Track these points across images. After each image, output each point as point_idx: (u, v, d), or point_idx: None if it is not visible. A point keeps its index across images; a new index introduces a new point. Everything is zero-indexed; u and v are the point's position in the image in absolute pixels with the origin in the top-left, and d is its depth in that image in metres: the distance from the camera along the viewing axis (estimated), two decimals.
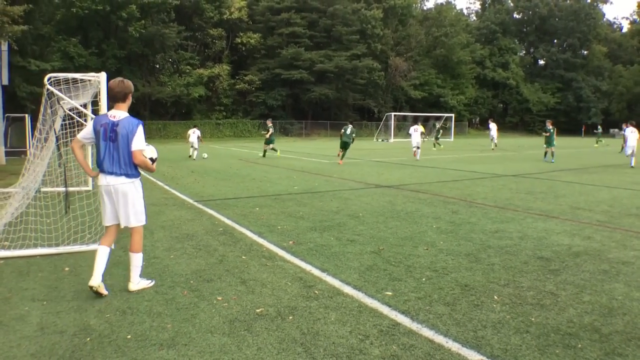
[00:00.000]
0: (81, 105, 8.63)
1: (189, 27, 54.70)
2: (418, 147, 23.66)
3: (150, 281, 5.17)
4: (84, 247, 6.52)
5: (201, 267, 5.78)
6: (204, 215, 9.11)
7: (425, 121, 56.81)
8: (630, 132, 21.41)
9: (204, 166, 19.25)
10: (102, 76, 6.76)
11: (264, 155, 24.67)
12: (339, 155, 21.33)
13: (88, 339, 3.89)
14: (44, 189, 9.69)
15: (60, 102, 7.47)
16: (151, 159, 5.02)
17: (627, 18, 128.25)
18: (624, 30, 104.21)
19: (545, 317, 4.34)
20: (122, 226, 4.97)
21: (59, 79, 7.77)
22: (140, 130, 4.83)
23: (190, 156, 23.84)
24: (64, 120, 8.63)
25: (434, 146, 34.94)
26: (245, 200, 10.74)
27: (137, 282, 5.03)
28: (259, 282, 5.26)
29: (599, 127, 47.10)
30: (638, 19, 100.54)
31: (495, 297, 4.83)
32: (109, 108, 5.00)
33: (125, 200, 4.85)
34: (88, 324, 4.16)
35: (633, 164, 20.41)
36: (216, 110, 56.84)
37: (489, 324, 4.17)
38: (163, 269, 5.73)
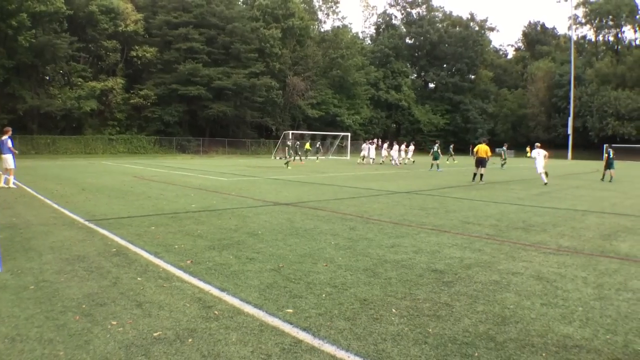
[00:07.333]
0: None
1: (81, 38, 52.36)
2: (372, 158, 31.55)
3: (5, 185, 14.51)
4: None
5: (94, 291, 5.46)
6: (96, 235, 8.66)
7: (322, 139, 57.89)
8: (537, 153, 23.14)
9: (96, 184, 18.32)
10: None
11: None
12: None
13: None
14: None
15: None
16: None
17: (512, 45, 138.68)
18: (509, 56, 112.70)
19: (442, 327, 4.50)
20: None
21: None
22: (9, 140, 15.31)
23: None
24: None
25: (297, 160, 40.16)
26: (140, 219, 10.34)
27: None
28: (156, 304, 5.05)
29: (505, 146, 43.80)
30: (522, 46, 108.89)
31: (394, 310, 4.95)
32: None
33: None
34: None
35: (545, 181, 21.37)
36: (109, 125, 54.60)
37: (389, 337, 4.26)
38: (53, 293, 5.36)
